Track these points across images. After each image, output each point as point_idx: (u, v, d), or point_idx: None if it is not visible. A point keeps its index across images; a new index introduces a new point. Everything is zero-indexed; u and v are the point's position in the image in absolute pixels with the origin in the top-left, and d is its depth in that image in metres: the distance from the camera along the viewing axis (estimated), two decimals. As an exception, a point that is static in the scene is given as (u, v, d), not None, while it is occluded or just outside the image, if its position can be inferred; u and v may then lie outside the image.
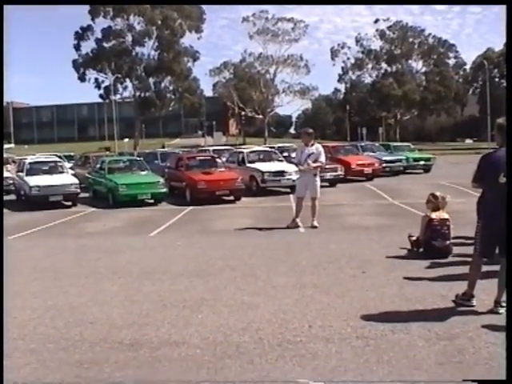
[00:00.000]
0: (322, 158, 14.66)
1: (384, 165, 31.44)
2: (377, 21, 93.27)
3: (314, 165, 14.41)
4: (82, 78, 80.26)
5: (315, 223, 14.30)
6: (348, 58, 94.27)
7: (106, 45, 79.25)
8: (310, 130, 15.07)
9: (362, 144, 38.48)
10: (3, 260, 9.65)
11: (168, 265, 10.38)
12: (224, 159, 27.55)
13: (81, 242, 13.51)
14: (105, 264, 10.67)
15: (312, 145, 14.60)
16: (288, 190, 22.94)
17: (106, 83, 80.00)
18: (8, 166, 29.62)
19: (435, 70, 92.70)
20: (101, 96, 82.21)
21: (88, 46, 79.87)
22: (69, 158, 37.09)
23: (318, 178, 14.65)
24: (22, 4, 75.05)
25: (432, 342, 5.89)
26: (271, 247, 11.85)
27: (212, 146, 53.77)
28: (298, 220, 14.54)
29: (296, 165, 14.59)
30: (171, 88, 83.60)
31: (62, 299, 8.18)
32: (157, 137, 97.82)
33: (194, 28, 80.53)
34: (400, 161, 33.37)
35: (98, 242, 13.65)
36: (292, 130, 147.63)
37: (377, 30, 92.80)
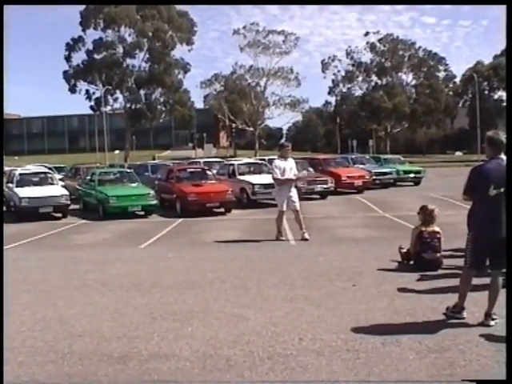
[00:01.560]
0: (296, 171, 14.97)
1: (374, 177, 31.52)
2: (367, 33, 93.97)
3: (301, 175, 14.68)
4: (72, 90, 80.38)
5: (306, 235, 14.31)
6: (338, 71, 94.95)
7: (96, 56, 79.40)
8: (289, 144, 15.64)
9: (353, 156, 38.51)
10: (3, 266, 9.61)
11: (158, 277, 10.34)
12: (215, 171, 27.53)
13: (71, 254, 13.45)
14: (94, 276, 10.62)
15: (287, 158, 14.79)
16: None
17: (97, 95, 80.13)
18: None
19: (425, 82, 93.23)
20: (91, 107, 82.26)
21: (79, 58, 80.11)
22: (59, 170, 36.96)
23: (295, 190, 14.84)
24: (22, 4, 74.94)
25: (423, 355, 5.88)
26: (262, 259, 11.84)
27: (203, 158, 53.77)
28: (281, 236, 14.61)
29: (274, 178, 14.51)
30: (162, 100, 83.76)
31: (52, 311, 8.13)
32: (147, 149, 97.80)
33: (184, 40, 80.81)
34: (390, 173, 33.45)
35: (88, 253, 13.59)
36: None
37: (367, 43, 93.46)
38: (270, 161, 31.28)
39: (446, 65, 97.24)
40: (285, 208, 14.51)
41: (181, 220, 19.91)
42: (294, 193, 14.66)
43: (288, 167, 14.52)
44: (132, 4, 76.21)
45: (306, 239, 14.19)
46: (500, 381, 5.11)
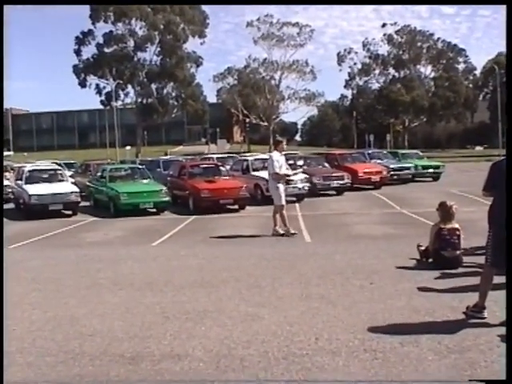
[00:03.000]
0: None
1: (392, 173, 31.46)
2: (384, 25, 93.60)
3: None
4: (82, 84, 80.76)
5: (280, 231, 14.83)
6: (355, 64, 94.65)
7: (107, 50, 79.67)
8: (285, 139, 16.29)
9: (370, 151, 38.49)
10: (3, 266, 9.66)
11: (170, 276, 10.37)
12: (228, 167, 27.57)
13: (81, 253, 13.50)
14: (106, 275, 10.66)
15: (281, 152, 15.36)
16: (294, 198, 22.90)
17: (108, 89, 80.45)
18: (7, 173, 29.67)
19: (444, 75, 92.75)
20: (102, 102, 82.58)
21: (89, 51, 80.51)
22: (69, 166, 37.13)
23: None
24: (22, 4, 75.60)
25: (442, 355, 5.85)
26: (276, 257, 11.84)
27: (216, 153, 53.80)
28: (290, 228, 14.88)
29: (273, 173, 14.90)
30: (174, 94, 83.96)
31: (62, 311, 8.16)
32: (159, 144, 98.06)
33: (197, 33, 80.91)
34: (408, 168, 33.35)
35: (99, 252, 13.64)
36: (298, 138, 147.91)
37: (384, 35, 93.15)
38: (285, 157, 31.46)
39: (466, 56, 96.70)
40: (284, 202, 14.97)
41: (194, 217, 19.94)
42: (283, 189, 15.26)
43: (283, 162, 15.16)
44: (133, 4, 76.26)
45: (281, 235, 14.66)
46: (501, 381, 5.11)
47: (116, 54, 78.83)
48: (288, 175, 15.38)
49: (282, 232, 14.74)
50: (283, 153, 15.46)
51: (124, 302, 8.55)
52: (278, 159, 14.86)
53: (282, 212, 14.87)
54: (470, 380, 5.18)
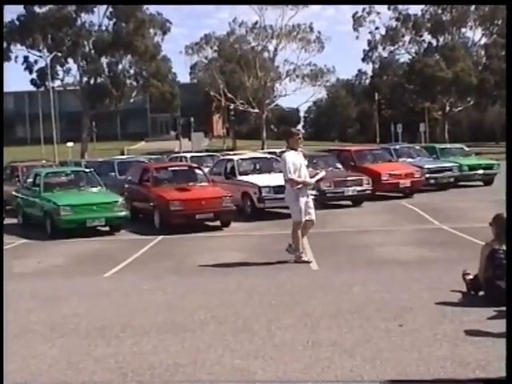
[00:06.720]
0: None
1: (428, 175, 31.47)
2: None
3: (319, 176, 15.19)
4: (5, 56, 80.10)
5: (306, 257, 14.74)
6: (377, 28, 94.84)
7: (38, 10, 79.06)
8: (300, 131, 15.72)
9: (397, 147, 38.45)
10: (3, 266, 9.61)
11: (129, 317, 10.35)
12: (207, 170, 27.57)
13: (6, 288, 13.45)
14: (40, 317, 10.63)
15: (298, 150, 15.06)
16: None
17: (41, 64, 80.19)
18: None
19: (499, 41, 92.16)
20: (33, 82, 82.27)
21: (13, 11, 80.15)
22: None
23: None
24: (22, 4, 77.04)
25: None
26: (273, 291, 11.84)
27: (190, 151, 53.87)
28: (303, 254, 14.79)
29: (288, 180, 14.67)
30: (132, 72, 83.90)
31: (-19, 367, 8.13)
32: (113, 139, 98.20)
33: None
34: (450, 169, 33.37)
35: (32, 286, 13.60)
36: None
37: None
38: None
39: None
40: (303, 218, 14.66)
41: (161, 238, 19.94)
42: (310, 198, 14.97)
43: (303, 163, 14.80)
44: (130, 4, 76.52)
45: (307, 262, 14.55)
46: (501, 380, 5.19)
47: (51, 16, 78.30)
48: (310, 183, 14.99)
49: (306, 259, 14.68)
50: (300, 150, 15.09)
51: (65, 354, 8.52)
52: (293, 160, 14.58)
53: (298, 231, 14.77)
54: (468, 379, 5.17)
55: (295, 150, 14.84)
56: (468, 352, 7.83)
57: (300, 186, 14.55)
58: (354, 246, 16.79)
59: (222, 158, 31.30)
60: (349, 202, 26.77)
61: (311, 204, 14.90)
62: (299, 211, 14.63)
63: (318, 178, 15.58)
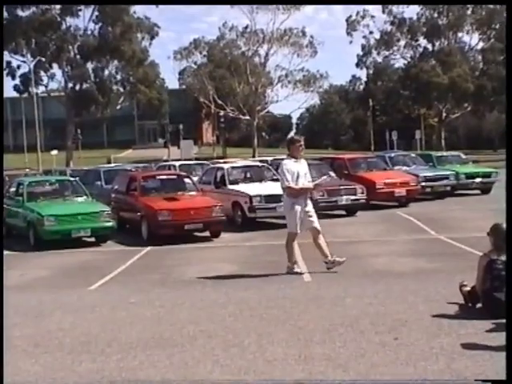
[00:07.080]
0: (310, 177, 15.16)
1: (424, 184, 31.52)
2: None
3: (321, 181, 15.27)
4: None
5: (338, 259, 14.64)
6: (371, 33, 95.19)
7: (22, 13, 79.09)
8: (302, 138, 15.90)
9: (392, 155, 38.46)
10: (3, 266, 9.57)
11: (116, 332, 10.34)
12: (196, 179, 27.56)
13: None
14: (22, 332, 10.60)
15: (299, 158, 14.98)
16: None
17: (24, 69, 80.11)
18: None
19: (497, 46, 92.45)
20: (16, 88, 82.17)
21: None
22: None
23: (311, 204, 15.02)
24: (22, 4, 76.80)
25: None
26: (264, 304, 11.84)
27: (178, 159, 53.88)
28: (295, 266, 14.78)
29: (285, 187, 14.63)
30: (119, 77, 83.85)
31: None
32: (99, 147, 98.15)
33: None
34: (447, 177, 33.43)
35: (14, 299, 13.56)
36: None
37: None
38: (275, 163, 31.43)
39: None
40: (299, 230, 14.65)
41: (148, 249, 19.93)
42: (310, 207, 14.80)
43: (302, 171, 14.69)
44: (129, 4, 76.59)
45: (340, 262, 14.55)
46: (501, 381, 5.21)
47: (35, 20, 78.26)
48: (308, 189, 14.96)
49: (299, 271, 14.69)
50: (301, 157, 15.01)
51: (49, 370, 8.50)
52: (291, 168, 14.55)
53: (292, 243, 14.77)
54: (476, 380, 5.17)
55: (295, 157, 14.81)
56: (465, 366, 7.84)
57: (298, 194, 14.55)
58: (348, 256, 16.75)
59: (211, 166, 31.32)
60: (342, 212, 26.78)
61: (312, 213, 14.76)
62: (295, 222, 14.61)
63: (318, 182, 15.52)
